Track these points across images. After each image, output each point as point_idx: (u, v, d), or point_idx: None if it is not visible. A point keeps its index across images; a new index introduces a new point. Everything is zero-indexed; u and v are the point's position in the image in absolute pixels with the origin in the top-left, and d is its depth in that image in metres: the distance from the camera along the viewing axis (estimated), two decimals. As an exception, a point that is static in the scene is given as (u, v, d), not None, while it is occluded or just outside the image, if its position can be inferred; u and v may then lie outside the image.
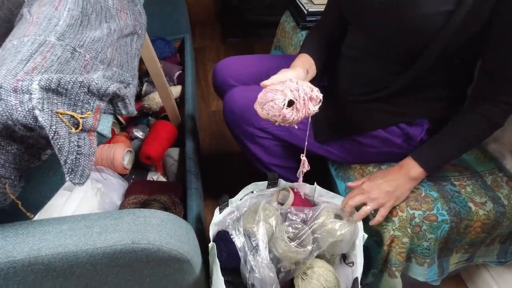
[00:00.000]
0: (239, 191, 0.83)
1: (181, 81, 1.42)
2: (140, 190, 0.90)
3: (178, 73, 1.41)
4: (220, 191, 1.24)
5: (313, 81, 0.89)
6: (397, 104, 0.72)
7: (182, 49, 1.63)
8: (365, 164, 0.82)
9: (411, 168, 0.67)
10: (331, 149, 0.82)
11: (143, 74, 1.38)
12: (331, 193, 0.79)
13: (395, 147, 0.76)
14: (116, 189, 0.95)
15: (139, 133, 1.16)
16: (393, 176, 0.68)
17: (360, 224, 0.71)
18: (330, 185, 0.96)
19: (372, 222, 0.69)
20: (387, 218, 0.70)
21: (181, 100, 1.34)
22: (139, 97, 1.32)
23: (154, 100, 1.21)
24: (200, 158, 1.13)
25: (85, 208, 0.83)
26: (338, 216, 0.72)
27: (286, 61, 0.94)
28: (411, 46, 0.62)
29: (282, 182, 0.84)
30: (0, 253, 0.45)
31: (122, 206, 0.84)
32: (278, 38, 1.54)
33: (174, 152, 1.10)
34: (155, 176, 1.06)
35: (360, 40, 0.74)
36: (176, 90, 1.33)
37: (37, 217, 0.59)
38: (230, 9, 2.53)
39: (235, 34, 2.28)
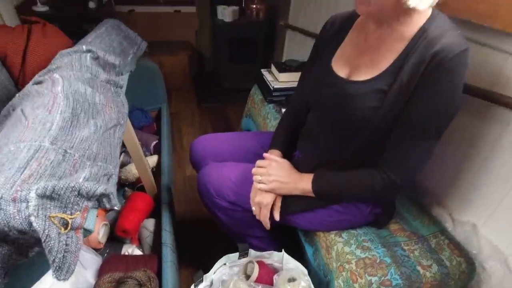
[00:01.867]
0: (213, 256, 0.89)
1: (157, 150, 1.49)
2: (115, 267, 0.91)
3: (154, 143, 1.49)
4: (195, 257, 1.27)
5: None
6: None
7: (159, 118, 1.74)
8: (328, 232, 0.91)
9: (307, 181, 0.82)
10: (298, 220, 0.90)
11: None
12: (296, 262, 0.86)
13: (351, 216, 0.86)
14: (90, 266, 0.95)
15: (115, 204, 1.19)
16: (294, 177, 0.84)
17: None
18: (300, 250, 1.03)
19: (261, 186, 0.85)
20: (349, 285, 0.77)
21: (157, 169, 1.40)
22: (116, 167, 1.37)
23: (131, 172, 1.27)
24: (175, 224, 1.16)
25: (58, 290, 0.83)
26: (291, 279, 0.79)
27: (258, 139, 1.06)
28: (353, 127, 0.76)
29: (252, 252, 0.89)
30: None
31: (97, 286, 0.85)
32: (249, 107, 1.70)
33: (150, 223, 1.13)
34: (130, 249, 1.08)
35: (318, 121, 0.88)
36: (152, 160, 1.40)
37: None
38: (205, 76, 2.75)
39: (209, 99, 2.46)
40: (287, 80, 1.49)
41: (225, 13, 2.19)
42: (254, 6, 2.22)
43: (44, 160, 0.54)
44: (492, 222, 0.86)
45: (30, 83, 0.85)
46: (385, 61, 0.70)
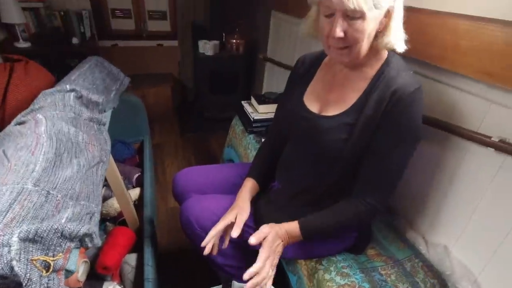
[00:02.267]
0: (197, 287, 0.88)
1: (140, 182, 1.50)
2: (95, 307, 0.89)
3: (137, 175, 1.49)
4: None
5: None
6: (325, 207, 0.87)
7: (142, 150, 1.75)
8: (309, 259, 0.93)
9: (294, 230, 0.79)
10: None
11: (102, 178, 1.44)
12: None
13: (330, 243, 0.89)
14: (68, 307, 0.93)
15: (95, 241, 1.17)
16: (281, 235, 0.79)
17: None
18: (285, 278, 1.04)
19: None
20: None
21: (139, 202, 1.40)
22: (97, 201, 1.35)
23: (113, 206, 1.26)
24: (158, 256, 1.15)
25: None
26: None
27: (238, 171, 1.09)
28: (327, 158, 0.82)
29: (235, 284, 0.90)
30: None
31: (75, 328, 0.82)
32: (230, 137, 1.74)
33: (132, 258, 1.12)
34: (111, 286, 1.05)
35: (294, 152, 0.93)
36: (134, 193, 1.40)
37: None
38: (187, 106, 2.81)
39: (192, 128, 2.50)
40: (266, 111, 1.55)
41: (206, 48, 2.29)
42: (234, 41, 2.34)
43: (26, 202, 0.55)
44: (461, 243, 0.91)
45: (12, 123, 0.87)
46: (351, 98, 0.77)
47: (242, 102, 1.69)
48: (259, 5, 2.31)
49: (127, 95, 1.68)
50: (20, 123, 0.84)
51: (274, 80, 2.13)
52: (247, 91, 2.61)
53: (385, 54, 0.76)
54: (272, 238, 0.77)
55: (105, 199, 1.34)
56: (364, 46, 0.71)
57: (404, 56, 0.85)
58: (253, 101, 1.63)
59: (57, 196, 0.61)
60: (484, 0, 0.73)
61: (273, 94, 1.59)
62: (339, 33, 0.68)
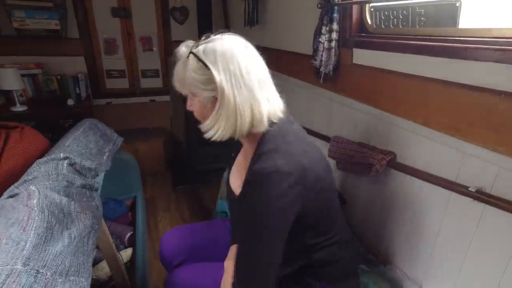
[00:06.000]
0: None
1: (132, 242, 1.47)
2: None
3: (129, 234, 1.47)
4: None
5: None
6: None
7: (134, 206, 1.75)
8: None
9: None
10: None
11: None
12: None
13: None
14: None
15: (84, 310, 1.12)
16: None
17: None
18: None
19: None
20: None
21: (131, 263, 1.36)
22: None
23: (103, 270, 1.23)
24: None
25: None
26: None
27: (228, 227, 1.09)
28: None
29: None
30: None
31: None
32: (222, 190, 1.75)
33: (122, 329, 1.07)
34: None
35: None
36: (126, 254, 1.37)
37: None
38: (180, 159, 2.84)
39: (184, 181, 2.50)
40: (256, 163, 1.59)
41: (197, 102, 2.39)
42: (224, 94, 2.45)
43: (15, 285, 0.55)
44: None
45: (5, 195, 0.88)
46: (243, 178, 0.75)
47: (232, 154, 1.73)
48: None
49: (119, 152, 1.72)
50: (12, 196, 0.85)
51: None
52: (237, 141, 2.67)
53: (259, 135, 0.74)
54: None
55: (95, 262, 1.31)
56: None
57: (381, 110, 0.90)
58: (243, 153, 1.67)
59: (46, 274, 0.61)
60: (448, 68, 0.80)
61: (263, 146, 1.64)
62: (188, 106, 0.78)
